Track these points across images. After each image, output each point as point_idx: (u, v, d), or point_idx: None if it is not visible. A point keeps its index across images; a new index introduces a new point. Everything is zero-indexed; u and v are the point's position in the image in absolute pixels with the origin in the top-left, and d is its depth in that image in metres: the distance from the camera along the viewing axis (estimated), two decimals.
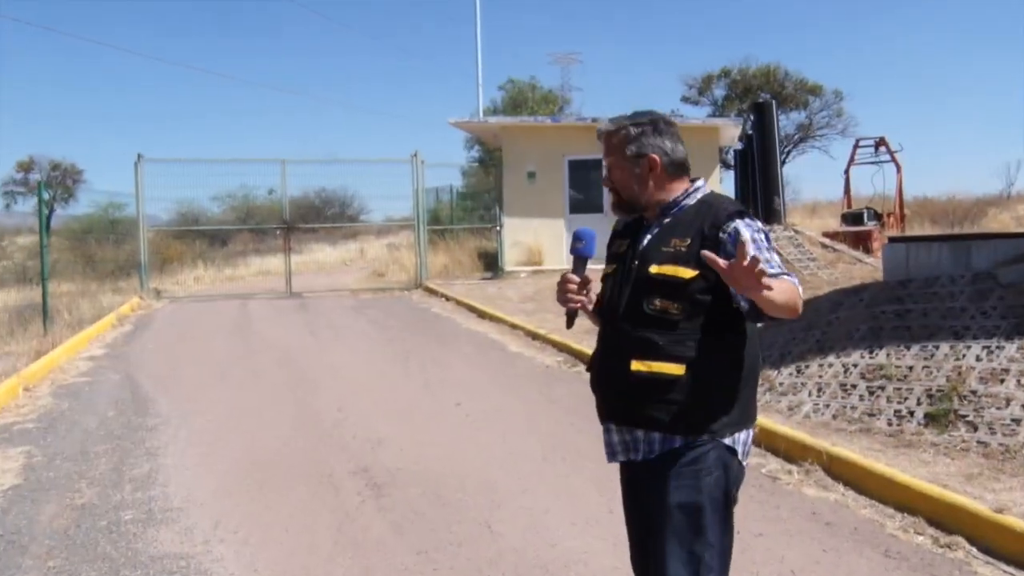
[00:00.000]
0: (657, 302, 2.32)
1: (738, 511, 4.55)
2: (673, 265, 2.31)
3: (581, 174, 18.44)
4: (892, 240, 8.10)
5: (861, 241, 15.20)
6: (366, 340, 10.82)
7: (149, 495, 5.02)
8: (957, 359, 5.92)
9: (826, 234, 14.51)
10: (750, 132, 14.52)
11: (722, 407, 2.33)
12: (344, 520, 4.55)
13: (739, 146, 23.79)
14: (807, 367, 6.69)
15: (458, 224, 24.98)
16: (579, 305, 2.54)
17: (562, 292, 2.53)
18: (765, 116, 12.46)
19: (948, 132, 79.29)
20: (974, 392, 5.58)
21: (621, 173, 2.47)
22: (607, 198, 2.72)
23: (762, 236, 2.37)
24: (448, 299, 14.88)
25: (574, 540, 4.24)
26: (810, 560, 3.98)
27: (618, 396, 2.43)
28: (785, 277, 2.23)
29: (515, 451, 5.76)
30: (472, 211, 27.59)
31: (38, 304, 13.34)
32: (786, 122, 34.59)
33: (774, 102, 12.95)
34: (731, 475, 2.38)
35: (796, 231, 12.67)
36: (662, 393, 2.31)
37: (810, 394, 6.33)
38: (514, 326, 11.21)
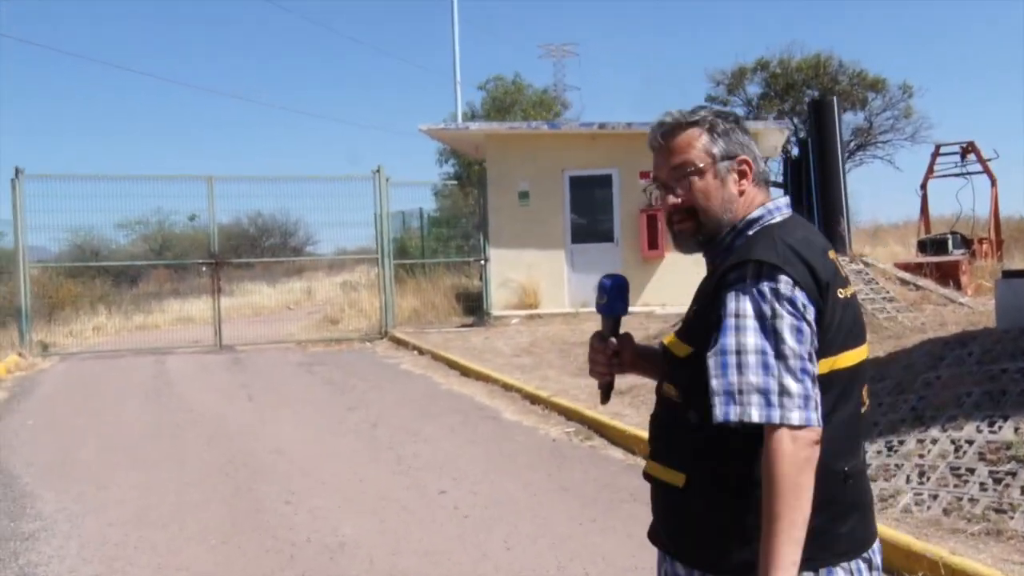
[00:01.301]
0: (665, 385, 2.17)
1: None
2: (676, 337, 2.14)
3: (586, 193, 18.33)
4: (1008, 275, 7.82)
5: (947, 275, 14.89)
6: (320, 407, 10.63)
7: None
8: None
9: (900, 266, 14.28)
10: (802, 137, 14.36)
11: (739, 539, 1.98)
12: None
13: (781, 156, 23.78)
14: (901, 443, 6.38)
15: (431, 257, 24.68)
16: (609, 378, 2.37)
17: (591, 359, 2.38)
18: (825, 117, 12.26)
19: None
20: None
21: (705, 182, 2.15)
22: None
23: (781, 310, 1.95)
24: (422, 352, 14.75)
25: None
26: None
27: (656, 507, 2.23)
28: (754, 405, 1.89)
29: (522, 562, 5.42)
30: (448, 240, 27.28)
31: None
32: (842, 125, 34.69)
33: (836, 99, 12.75)
34: None
35: (865, 263, 12.44)
36: (666, 506, 2.15)
37: (908, 480, 6.00)
38: (508, 387, 11.01)
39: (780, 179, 18.96)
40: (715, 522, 2.01)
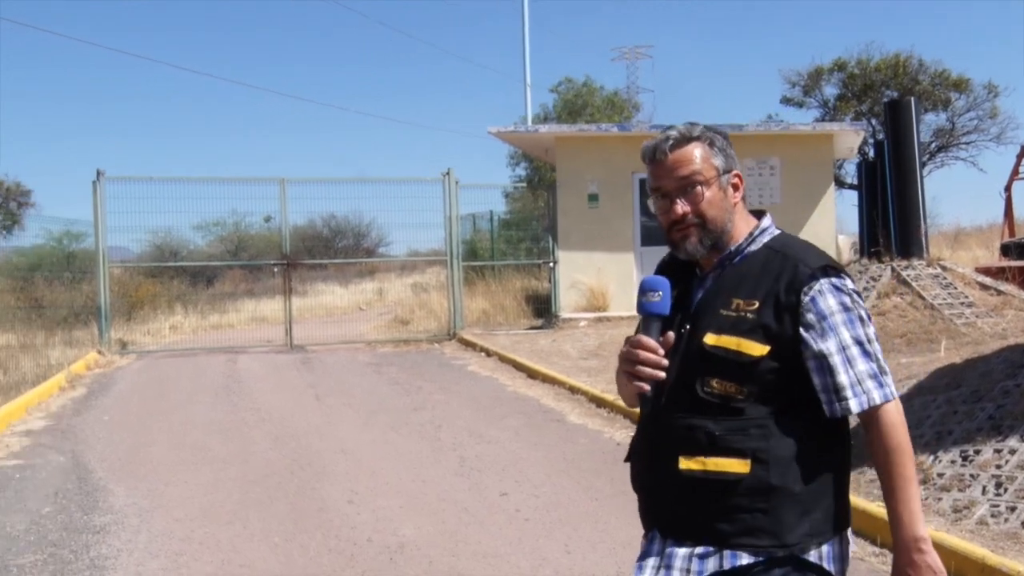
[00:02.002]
0: (715, 383, 2.21)
1: None
2: (736, 336, 2.20)
3: None
4: None
5: None
6: (386, 407, 10.63)
7: None
8: None
9: (981, 270, 13.91)
10: (878, 139, 14.07)
11: (801, 512, 2.18)
12: None
13: (858, 158, 23.35)
14: (978, 453, 6.19)
15: (500, 259, 24.71)
16: (654, 382, 2.25)
17: (631, 363, 2.25)
18: (902, 118, 11.98)
19: None
20: None
21: (712, 193, 2.31)
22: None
23: (857, 305, 2.25)
24: (489, 354, 14.74)
25: None
26: None
27: (665, 500, 2.32)
28: (873, 387, 2.18)
29: (581, 567, 5.37)
30: (517, 243, 27.29)
31: None
32: (922, 126, 33.89)
33: (913, 100, 12.46)
34: None
35: (943, 267, 12.13)
36: (720, 498, 2.19)
37: (985, 491, 5.81)
38: (574, 389, 10.94)
39: (856, 182, 18.62)
40: (787, 496, 2.16)
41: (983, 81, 34.59)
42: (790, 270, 2.21)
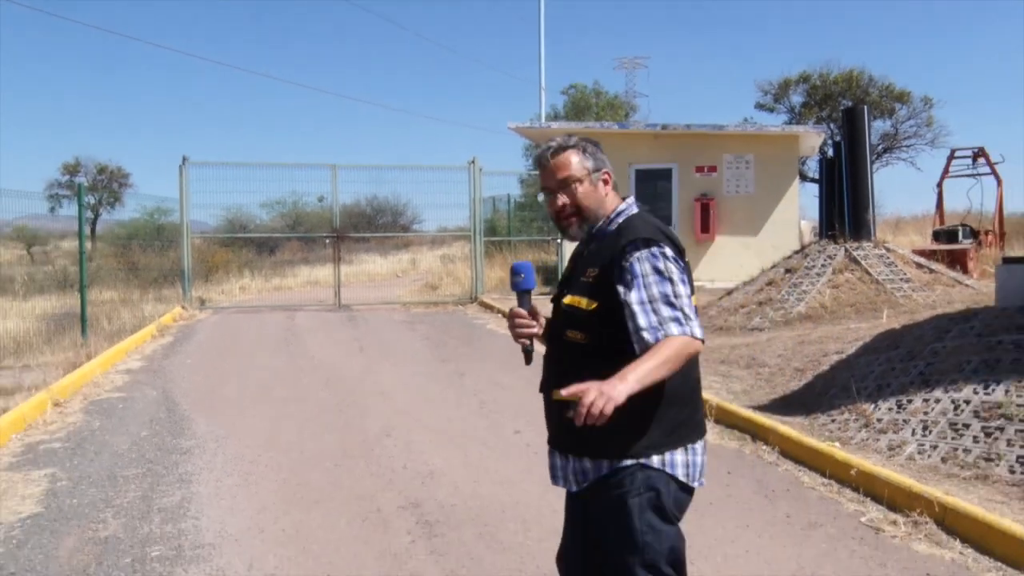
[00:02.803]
0: (569, 332, 2.47)
1: (841, 568, 4.16)
2: (580, 296, 2.45)
3: (648, 184, 18.17)
4: (1008, 261, 7.58)
5: (956, 261, 14.56)
6: (418, 358, 10.63)
7: (179, 528, 4.81)
8: None
9: (917, 252, 13.90)
10: (837, 139, 14.02)
11: (640, 430, 2.39)
12: (392, 564, 4.28)
13: (819, 156, 23.20)
14: (910, 402, 6.25)
15: (515, 236, 24.76)
16: (532, 337, 2.60)
17: (513, 327, 2.60)
18: (856, 122, 11.94)
19: None
20: None
21: (585, 188, 2.54)
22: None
23: (669, 265, 2.41)
24: (505, 315, 14.53)
25: None
26: None
27: (551, 422, 2.60)
28: (670, 328, 2.30)
29: None
30: (530, 222, 27.36)
31: (77, 312, 13.40)
32: (871, 131, 33.61)
33: (866, 108, 12.41)
34: (665, 498, 2.42)
35: (887, 248, 12.12)
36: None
37: (914, 433, 5.88)
38: None
39: (817, 176, 18.54)
40: (626, 418, 2.26)
41: (921, 94, 34.93)
42: (621, 243, 2.42)
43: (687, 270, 2.48)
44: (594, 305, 2.41)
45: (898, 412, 6.21)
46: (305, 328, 13.65)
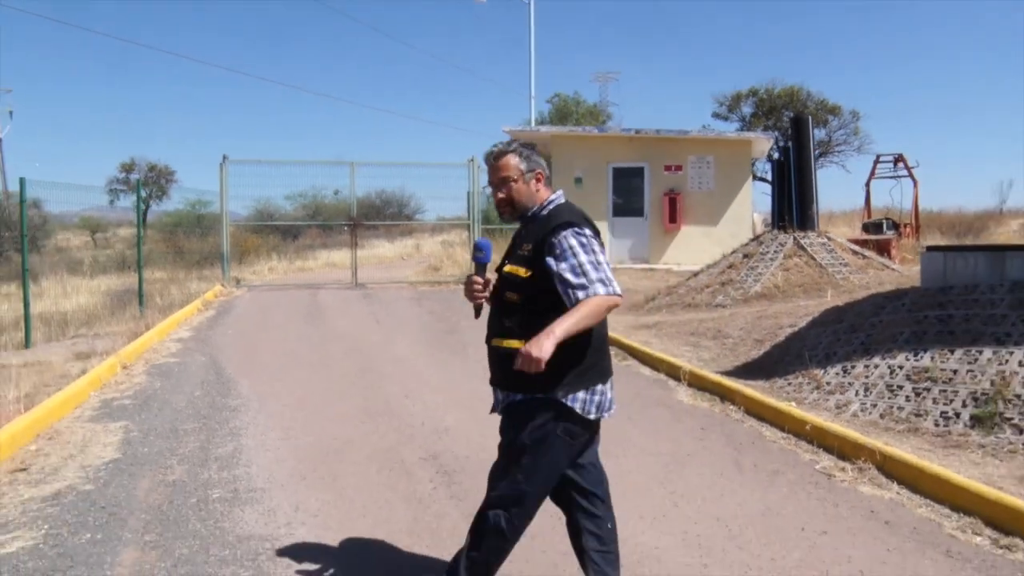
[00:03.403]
0: (507, 294, 2.73)
1: (801, 508, 4.24)
2: (517, 265, 2.72)
3: (623, 180, 18.20)
4: (931, 249, 7.65)
5: (882, 249, 14.79)
6: (427, 330, 10.56)
7: (234, 474, 4.84)
8: (1000, 364, 5.53)
9: (852, 240, 14.02)
10: (785, 144, 14.06)
11: (554, 373, 2.61)
12: (418, 507, 4.32)
13: (767, 159, 23.24)
14: (853, 367, 6.33)
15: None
16: (483, 300, 2.86)
17: (469, 290, 2.86)
18: (802, 129, 11.99)
19: (955, 149, 78.03)
20: (1019, 396, 5.20)
21: (519, 185, 2.80)
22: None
23: (590, 241, 2.68)
24: None
25: (645, 535, 3.96)
26: (876, 560, 3.67)
27: (491, 365, 2.87)
28: (597, 288, 2.58)
29: None
30: None
31: (135, 289, 13.41)
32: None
33: (810, 118, 12.46)
34: (566, 424, 2.72)
35: (829, 238, 12.19)
36: (509, 363, 2.66)
37: (857, 394, 5.97)
38: None
39: (766, 176, 18.60)
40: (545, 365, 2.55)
41: (850, 108, 35.72)
42: (551, 225, 2.69)
43: (602, 246, 2.77)
44: (528, 273, 2.68)
45: (844, 376, 6.29)
46: (327, 304, 13.58)
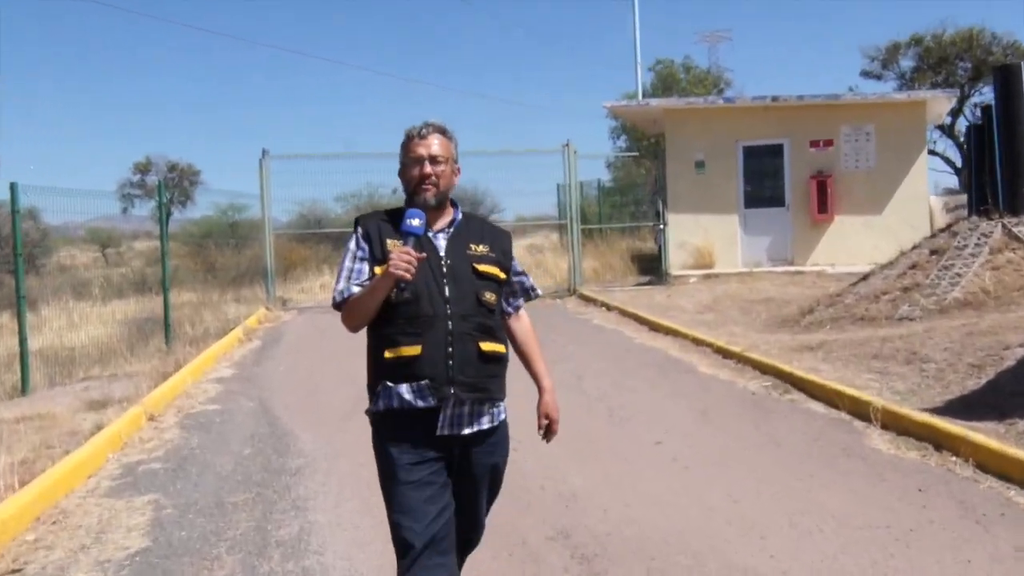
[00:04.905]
0: (486, 294, 3.04)
1: None
2: (491, 266, 3.09)
3: (757, 162, 17.75)
4: None
5: None
6: None
7: (303, 567, 4.46)
8: None
9: None
10: (976, 104, 13.16)
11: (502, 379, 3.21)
12: None
13: (960, 125, 22.09)
14: None
15: (606, 223, 24.23)
16: (412, 276, 2.90)
17: (406, 263, 2.86)
18: (1011, 82, 11.06)
19: None
20: None
21: (450, 169, 3.12)
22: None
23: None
24: (609, 308, 14.30)
25: None
26: None
27: (466, 366, 3.00)
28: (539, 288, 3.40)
29: (752, 516, 4.91)
30: (621, 207, 26.81)
31: (159, 316, 13.36)
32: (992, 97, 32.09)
33: (1021, 65, 11.51)
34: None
35: None
36: (494, 367, 3.09)
37: None
38: (698, 341, 10.42)
39: (963, 144, 17.59)
40: (504, 368, 3.17)
41: None
42: (500, 235, 3.20)
43: None
44: (503, 276, 3.13)
45: None
46: None
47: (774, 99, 17.38)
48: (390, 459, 3.00)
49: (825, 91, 18.57)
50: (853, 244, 16.48)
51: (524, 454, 6.19)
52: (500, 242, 3.16)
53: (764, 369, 8.61)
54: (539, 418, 3.33)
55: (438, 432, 2.98)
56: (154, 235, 28.94)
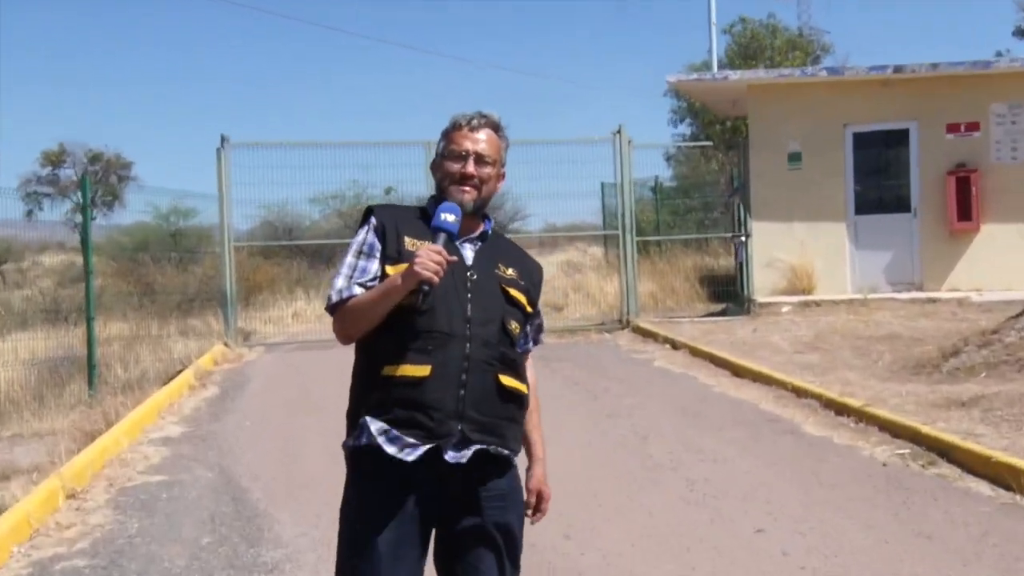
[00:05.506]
0: (513, 322, 3.23)
1: None
2: (522, 294, 3.31)
3: (872, 153, 17.89)
4: None
5: None
6: (574, 412, 10.22)
7: None
8: None
9: None
10: None
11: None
12: None
13: None
14: None
15: (666, 233, 24.06)
16: (438, 280, 3.02)
17: (436, 263, 2.98)
18: None
19: None
20: None
21: (494, 176, 3.32)
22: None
23: None
24: (676, 346, 14.40)
25: None
26: None
27: (481, 403, 3.13)
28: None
29: None
30: (685, 214, 26.60)
31: (79, 355, 13.39)
32: None
33: None
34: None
35: None
36: (513, 409, 3.24)
37: None
38: (800, 392, 10.36)
39: None
40: (523, 415, 3.35)
41: None
42: (529, 262, 3.46)
43: None
44: (529, 309, 3.34)
45: None
46: None
47: (897, 69, 17.26)
48: (364, 508, 3.16)
49: (966, 57, 18.34)
50: (1009, 262, 16.32)
51: (579, 542, 6.24)
52: (532, 273, 3.42)
53: (896, 431, 8.46)
54: (529, 495, 3.38)
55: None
56: (69, 246, 28.80)
